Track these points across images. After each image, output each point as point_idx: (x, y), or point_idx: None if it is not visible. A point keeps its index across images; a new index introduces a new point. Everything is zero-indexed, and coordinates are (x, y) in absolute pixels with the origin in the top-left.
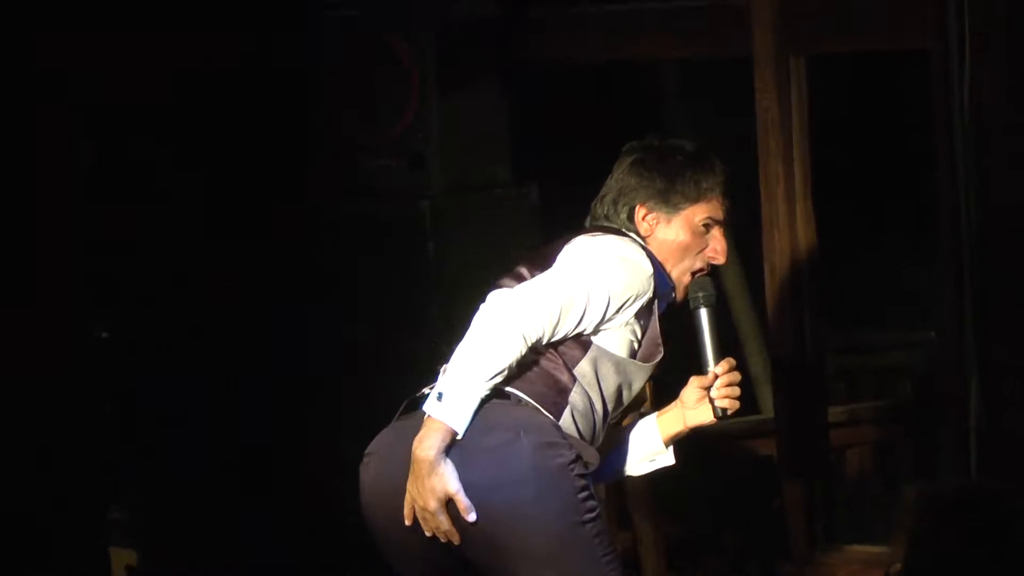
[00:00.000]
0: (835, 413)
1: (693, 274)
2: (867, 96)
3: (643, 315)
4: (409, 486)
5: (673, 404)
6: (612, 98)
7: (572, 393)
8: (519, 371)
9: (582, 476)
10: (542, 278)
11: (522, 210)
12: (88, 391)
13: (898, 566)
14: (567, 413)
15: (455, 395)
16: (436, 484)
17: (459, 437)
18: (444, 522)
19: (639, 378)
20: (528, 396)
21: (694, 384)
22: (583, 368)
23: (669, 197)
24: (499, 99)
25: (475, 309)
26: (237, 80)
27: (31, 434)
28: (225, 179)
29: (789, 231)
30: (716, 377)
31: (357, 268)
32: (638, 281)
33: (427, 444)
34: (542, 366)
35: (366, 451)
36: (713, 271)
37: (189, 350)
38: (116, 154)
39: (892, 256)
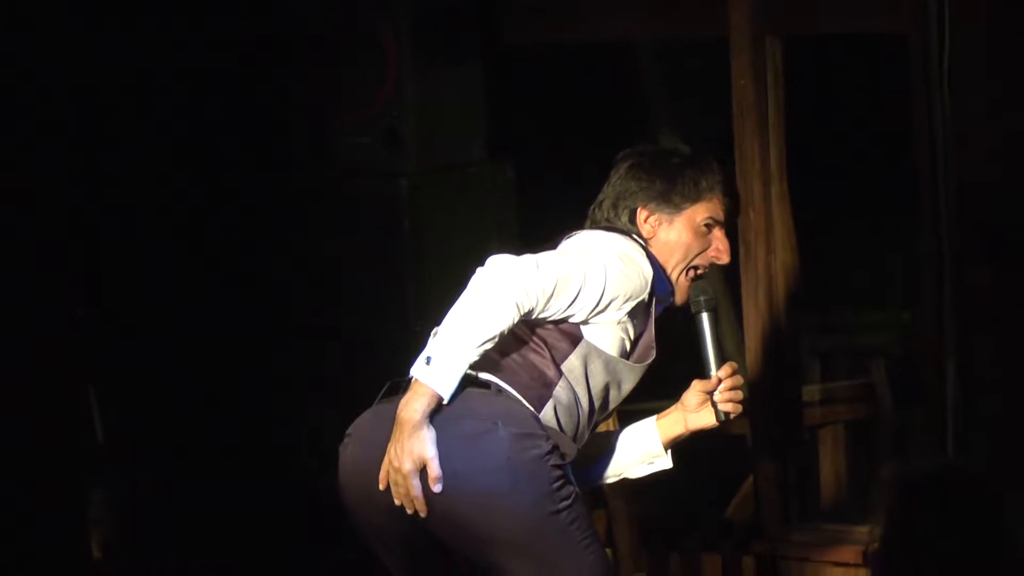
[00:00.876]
0: (809, 392)
1: (693, 274)
2: (843, 75)
3: (638, 315)
4: (388, 448)
5: (674, 407)
6: (589, 77)
7: (557, 387)
8: (505, 362)
9: (558, 466)
10: (543, 254)
11: (498, 188)
12: (70, 373)
13: (876, 545)
14: (549, 406)
15: (443, 359)
16: (415, 447)
17: (444, 402)
18: (415, 487)
19: (629, 379)
20: (510, 387)
21: (696, 388)
22: (572, 363)
23: (670, 198)
24: (475, 77)
25: (455, 285)
26: (215, 58)
27: (12, 415)
28: (200, 160)
29: (764, 211)
30: (719, 381)
31: (333, 247)
32: (636, 280)
33: (412, 407)
34: (529, 358)
35: (346, 432)
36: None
37: (164, 332)
38: (96, 139)
39: (867, 236)
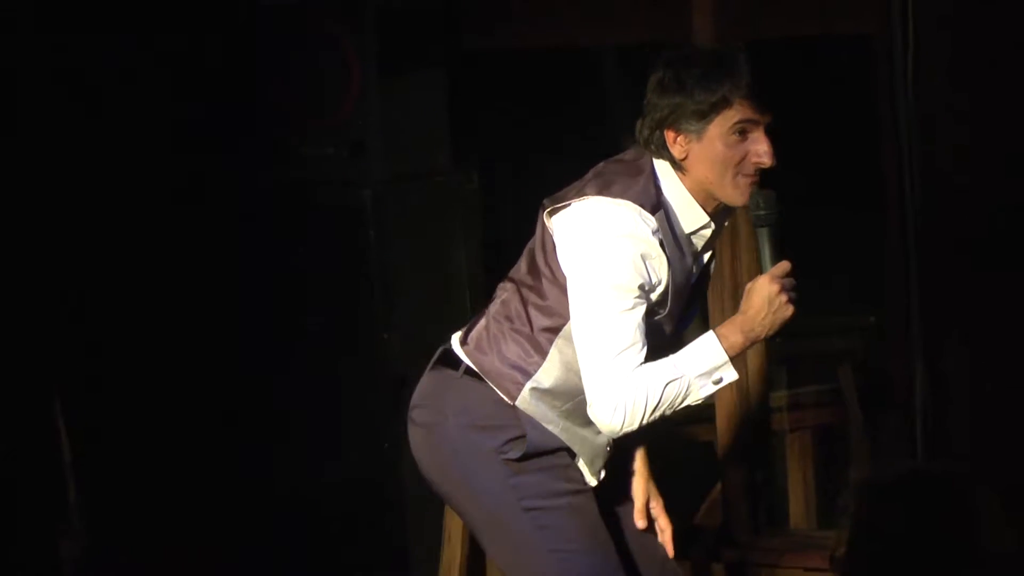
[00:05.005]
0: (776, 398)
1: (750, 178)
2: (808, 78)
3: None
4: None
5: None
6: (553, 83)
7: (540, 371)
8: (487, 339)
9: (518, 460)
10: (587, 344)
11: (464, 196)
12: (36, 379)
13: (843, 550)
14: (525, 392)
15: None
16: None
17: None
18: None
19: (658, 335)
20: (481, 369)
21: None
22: (560, 344)
23: (692, 113)
24: (440, 86)
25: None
26: (179, 70)
27: None
28: (165, 169)
29: None
30: None
31: (299, 257)
32: (635, 268)
33: (738, 340)
34: (510, 336)
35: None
36: None
37: (130, 338)
38: (60, 139)
39: (834, 240)
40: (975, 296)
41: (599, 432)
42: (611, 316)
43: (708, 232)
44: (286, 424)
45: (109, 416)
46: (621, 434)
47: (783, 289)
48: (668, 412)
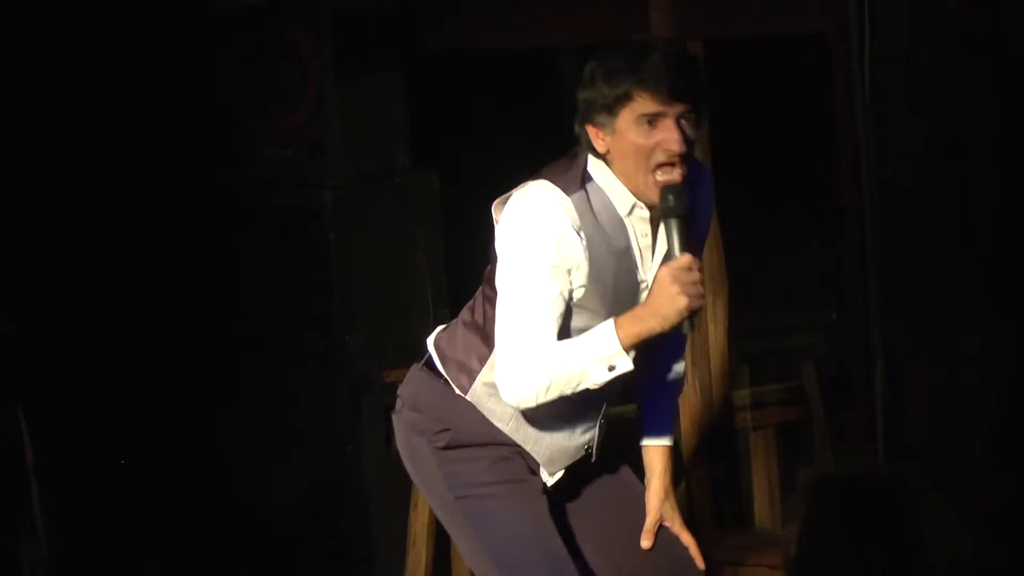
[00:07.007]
0: (739, 396)
1: (664, 172)
2: (767, 76)
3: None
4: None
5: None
6: (511, 83)
7: (488, 365)
8: (455, 333)
9: (450, 448)
10: (498, 318)
11: (423, 197)
12: None
13: (793, 550)
14: (477, 385)
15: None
16: (681, 302)
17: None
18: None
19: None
20: (439, 360)
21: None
22: None
23: (601, 107)
24: (398, 87)
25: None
26: (135, 72)
27: None
28: (123, 173)
29: None
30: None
31: (258, 260)
32: (551, 249)
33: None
34: (470, 331)
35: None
36: None
37: (89, 346)
38: (10, 150)
39: (794, 237)
40: (932, 291)
41: (571, 434)
42: (519, 294)
43: (645, 214)
44: (248, 427)
45: (72, 421)
46: (521, 407)
47: (676, 280)
48: (567, 392)
